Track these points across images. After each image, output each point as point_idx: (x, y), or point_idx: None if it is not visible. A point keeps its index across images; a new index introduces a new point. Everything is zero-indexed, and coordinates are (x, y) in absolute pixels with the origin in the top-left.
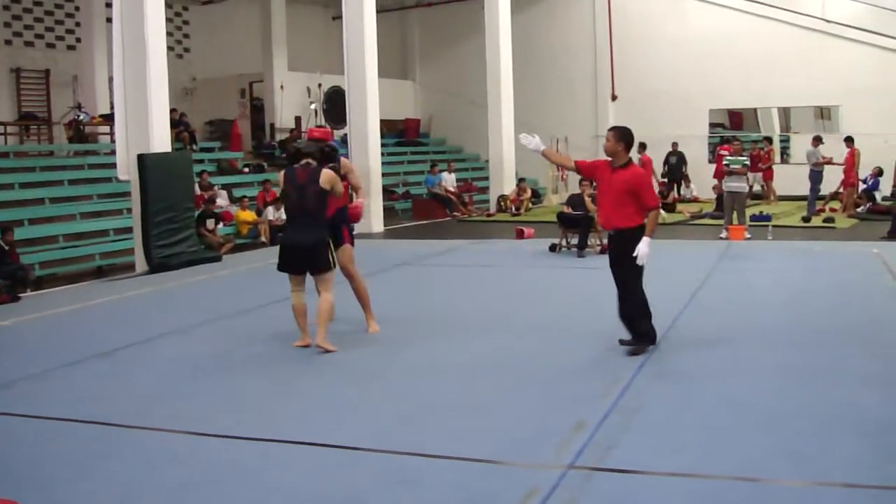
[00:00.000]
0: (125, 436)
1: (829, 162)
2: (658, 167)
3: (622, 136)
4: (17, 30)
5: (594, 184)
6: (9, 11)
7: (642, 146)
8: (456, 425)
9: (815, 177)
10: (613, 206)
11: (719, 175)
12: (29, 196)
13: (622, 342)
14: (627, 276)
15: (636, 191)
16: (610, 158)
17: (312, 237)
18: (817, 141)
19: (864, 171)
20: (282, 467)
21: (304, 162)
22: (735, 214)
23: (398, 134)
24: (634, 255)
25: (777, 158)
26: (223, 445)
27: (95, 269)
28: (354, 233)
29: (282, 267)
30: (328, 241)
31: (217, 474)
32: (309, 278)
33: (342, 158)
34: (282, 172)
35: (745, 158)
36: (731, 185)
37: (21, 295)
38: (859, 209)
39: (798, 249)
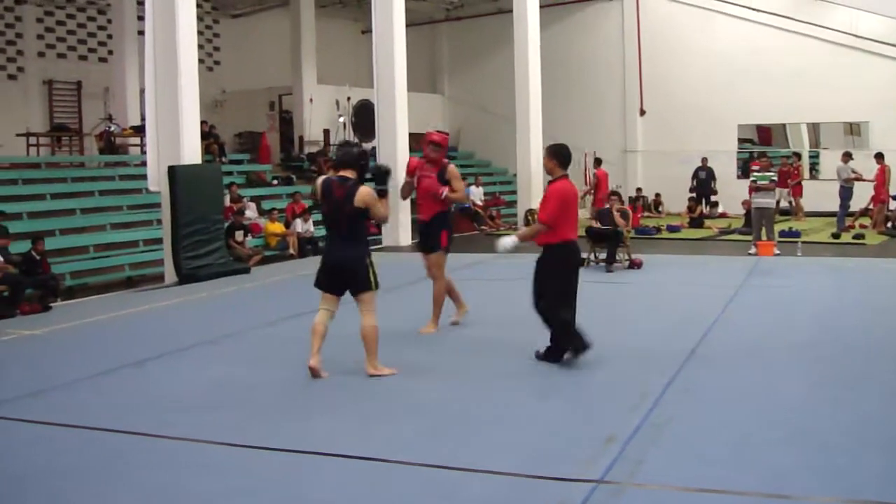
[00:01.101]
0: (155, 445)
1: (860, 178)
2: (687, 182)
3: (554, 153)
4: (49, 42)
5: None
6: (42, 24)
7: (598, 161)
8: (485, 438)
9: (845, 193)
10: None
11: (752, 191)
12: (60, 207)
13: (536, 355)
14: (544, 290)
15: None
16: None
17: (350, 256)
18: (847, 157)
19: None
20: (313, 479)
21: (341, 174)
22: (764, 230)
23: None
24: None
25: (806, 174)
26: (254, 456)
27: (125, 279)
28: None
29: (318, 283)
30: (368, 261)
31: (248, 485)
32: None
33: (449, 165)
34: (319, 180)
35: (772, 174)
36: (759, 200)
37: (52, 304)
38: (889, 225)
39: (828, 265)
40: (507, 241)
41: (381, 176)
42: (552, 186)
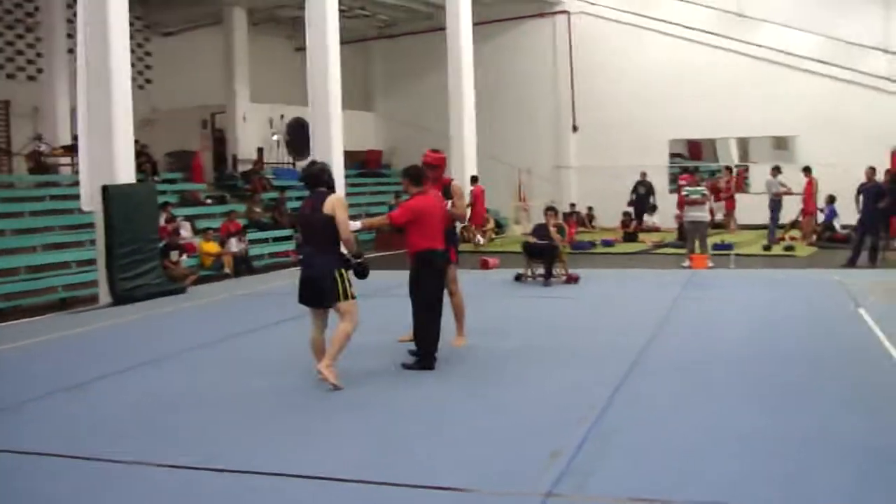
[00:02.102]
0: (101, 470)
1: (789, 192)
2: (619, 196)
3: (406, 174)
4: None
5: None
6: None
7: (474, 179)
8: (432, 455)
9: (775, 205)
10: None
11: (682, 205)
12: None
13: (404, 365)
14: (412, 299)
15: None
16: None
17: (319, 269)
18: (776, 171)
19: (822, 201)
20: (259, 499)
21: (317, 190)
22: (697, 243)
23: (360, 165)
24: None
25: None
26: (200, 478)
27: (58, 301)
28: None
29: (300, 299)
30: (337, 274)
31: None
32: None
33: (452, 182)
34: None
35: (702, 188)
36: (692, 214)
37: None
38: (815, 237)
39: (760, 277)
40: (354, 224)
41: (363, 272)
42: (405, 204)
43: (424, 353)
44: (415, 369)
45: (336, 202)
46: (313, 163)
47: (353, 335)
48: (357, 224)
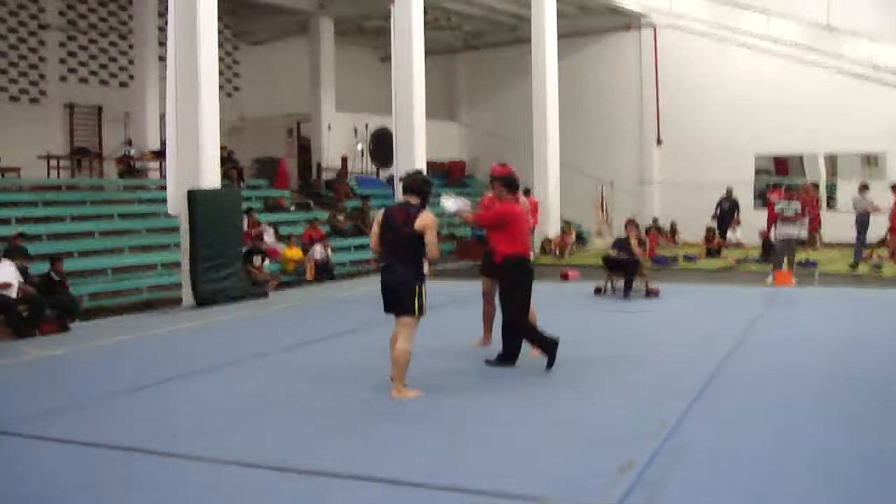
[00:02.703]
0: (173, 465)
1: (876, 209)
2: (703, 211)
3: (502, 179)
4: (71, 66)
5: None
6: (64, 48)
7: (527, 191)
8: (502, 463)
9: (862, 223)
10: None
11: (772, 220)
12: (79, 229)
13: (487, 362)
14: (502, 299)
15: (499, 221)
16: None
17: (399, 279)
18: (864, 188)
19: None
20: (328, 500)
21: (404, 200)
22: (785, 260)
23: (443, 175)
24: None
25: (823, 205)
26: (270, 477)
27: (142, 301)
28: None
29: (385, 309)
30: (415, 288)
31: None
32: None
33: (521, 196)
34: (381, 211)
35: (796, 205)
36: (784, 231)
37: (70, 325)
38: None
39: (846, 296)
40: (452, 202)
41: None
42: (499, 206)
43: (511, 350)
44: (498, 365)
45: (428, 223)
46: (419, 171)
47: (411, 352)
48: (455, 204)
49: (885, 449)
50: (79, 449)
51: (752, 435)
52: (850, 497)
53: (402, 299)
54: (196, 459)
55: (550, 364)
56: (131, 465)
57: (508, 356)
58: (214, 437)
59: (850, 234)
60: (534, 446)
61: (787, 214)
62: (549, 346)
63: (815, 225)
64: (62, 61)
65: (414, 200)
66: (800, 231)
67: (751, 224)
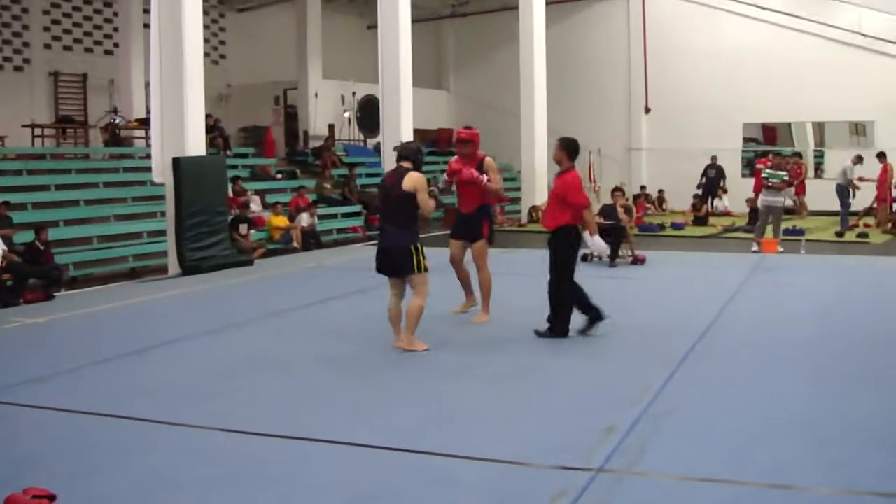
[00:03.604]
0: (155, 431)
1: (861, 179)
2: (691, 179)
3: (566, 146)
4: (55, 34)
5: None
6: (48, 16)
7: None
8: (486, 428)
9: (844, 192)
10: (548, 208)
11: (759, 189)
12: (64, 197)
13: (537, 333)
14: (558, 271)
15: (563, 194)
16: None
17: (396, 241)
18: (858, 159)
19: None
20: (311, 465)
21: (397, 166)
22: (769, 228)
23: (431, 143)
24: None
25: (811, 173)
26: (253, 442)
27: (129, 270)
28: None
29: (378, 268)
30: (412, 247)
31: (246, 470)
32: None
33: (486, 158)
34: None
35: (784, 173)
36: (768, 199)
37: (55, 294)
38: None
39: (831, 263)
40: (597, 240)
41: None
42: (570, 175)
43: (563, 319)
44: (548, 337)
45: (417, 182)
46: (412, 141)
47: (424, 307)
48: (597, 239)
49: (868, 413)
50: (60, 416)
51: (735, 400)
52: (833, 461)
53: (397, 262)
54: (180, 425)
55: (544, 333)
56: (113, 432)
57: (562, 327)
58: (198, 403)
59: (837, 203)
60: (517, 411)
61: (772, 182)
62: (561, 326)
63: (801, 189)
64: (46, 29)
65: (407, 165)
66: (785, 199)
67: (738, 192)
